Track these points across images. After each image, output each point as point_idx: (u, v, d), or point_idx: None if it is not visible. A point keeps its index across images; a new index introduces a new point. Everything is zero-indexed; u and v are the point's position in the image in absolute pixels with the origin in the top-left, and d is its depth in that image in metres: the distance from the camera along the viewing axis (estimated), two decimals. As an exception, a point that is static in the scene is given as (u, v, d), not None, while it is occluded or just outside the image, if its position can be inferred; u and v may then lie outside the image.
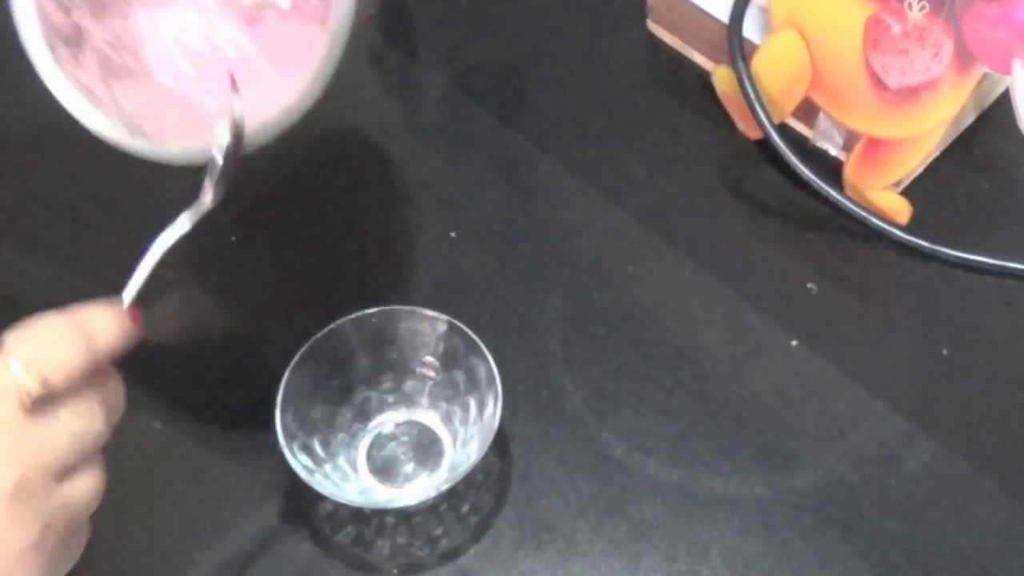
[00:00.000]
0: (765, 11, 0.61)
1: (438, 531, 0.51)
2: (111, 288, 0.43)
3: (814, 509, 0.52)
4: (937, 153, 0.63)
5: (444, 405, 0.53)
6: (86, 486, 0.40)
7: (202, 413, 0.56)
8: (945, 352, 0.57)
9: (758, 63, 0.61)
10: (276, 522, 0.52)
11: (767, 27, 0.61)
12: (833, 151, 0.65)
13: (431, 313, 0.52)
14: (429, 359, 0.53)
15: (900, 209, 0.61)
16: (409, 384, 0.54)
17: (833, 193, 0.61)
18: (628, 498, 0.52)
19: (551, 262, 0.61)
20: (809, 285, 0.60)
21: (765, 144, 0.62)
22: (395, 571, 0.50)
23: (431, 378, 0.53)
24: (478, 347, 0.50)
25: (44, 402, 0.38)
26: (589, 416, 0.55)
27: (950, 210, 0.62)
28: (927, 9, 0.54)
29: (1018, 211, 0.63)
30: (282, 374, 0.50)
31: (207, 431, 0.55)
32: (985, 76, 0.56)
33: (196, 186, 0.45)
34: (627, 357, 0.57)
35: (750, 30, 0.61)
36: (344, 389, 0.53)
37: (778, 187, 0.63)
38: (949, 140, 0.64)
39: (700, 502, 0.52)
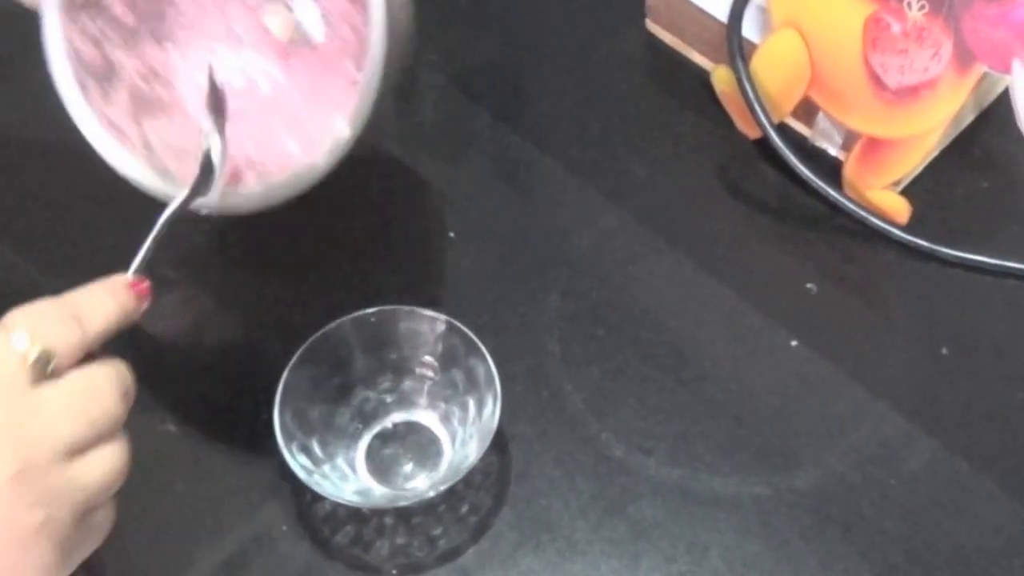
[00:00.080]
0: (764, 11, 0.61)
1: (437, 531, 0.52)
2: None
3: (814, 509, 0.52)
4: (936, 152, 0.64)
5: (443, 405, 0.54)
6: (100, 465, 0.39)
7: (201, 414, 0.56)
8: (945, 352, 0.57)
9: (757, 63, 0.61)
10: (275, 522, 0.52)
11: (766, 27, 0.61)
12: (832, 151, 0.65)
13: (430, 313, 0.52)
14: (428, 359, 0.53)
15: (900, 209, 0.61)
16: (408, 384, 0.54)
17: (832, 193, 0.61)
18: (628, 498, 0.52)
19: (550, 262, 0.61)
20: (809, 285, 0.60)
21: (764, 144, 0.62)
22: (394, 572, 0.51)
23: (430, 378, 0.54)
24: (477, 347, 0.50)
25: (48, 377, 0.38)
26: (588, 416, 0.55)
27: (950, 210, 0.63)
28: (926, 8, 0.55)
29: (1018, 210, 0.63)
30: (281, 374, 0.50)
31: (206, 432, 0.55)
32: (984, 75, 0.56)
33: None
34: (626, 357, 0.57)
35: (749, 30, 0.62)
36: (343, 389, 0.53)
37: (777, 187, 0.64)
38: (949, 139, 0.64)
39: (700, 502, 0.52)
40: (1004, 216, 0.62)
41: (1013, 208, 0.63)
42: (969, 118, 0.65)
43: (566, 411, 0.55)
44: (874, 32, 0.56)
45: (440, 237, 0.62)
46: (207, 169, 0.48)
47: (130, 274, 0.44)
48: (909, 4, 0.55)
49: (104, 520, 0.41)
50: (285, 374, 0.50)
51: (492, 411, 0.49)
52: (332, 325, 0.51)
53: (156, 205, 0.48)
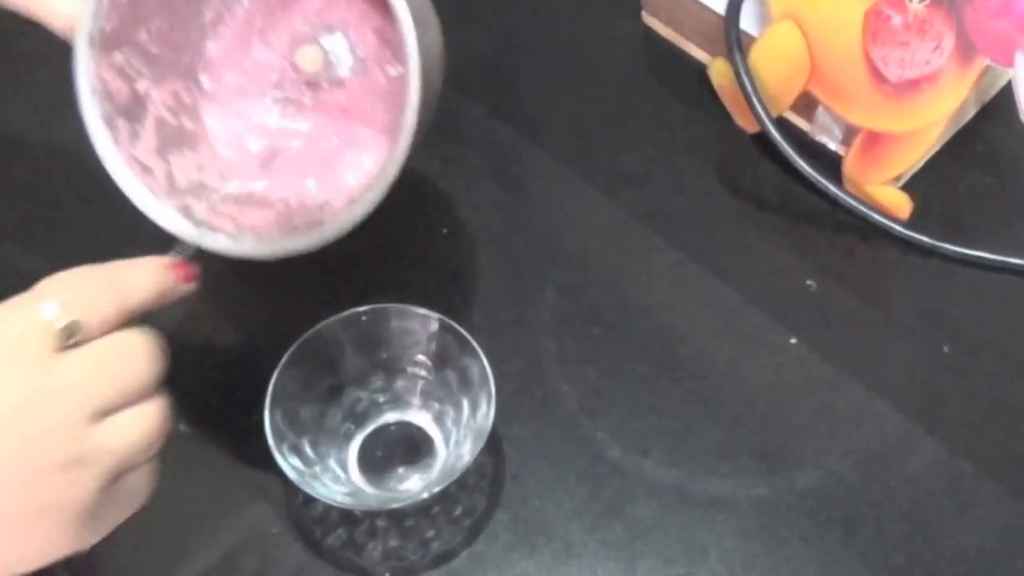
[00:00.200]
0: (762, 3, 0.61)
1: (430, 534, 0.52)
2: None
3: (814, 510, 0.52)
4: (938, 147, 0.64)
5: (436, 405, 0.54)
6: (130, 428, 0.39)
7: (191, 415, 0.56)
8: (947, 350, 0.57)
9: (755, 56, 0.61)
10: (265, 524, 0.52)
11: (765, 19, 0.61)
12: (832, 145, 0.65)
13: (422, 311, 0.52)
14: (421, 358, 0.53)
15: (901, 204, 0.61)
16: (400, 384, 0.54)
17: (832, 188, 0.61)
18: (624, 499, 0.53)
19: (545, 259, 0.61)
20: (808, 282, 0.60)
21: (763, 138, 0.63)
22: (387, 574, 0.51)
23: (423, 377, 0.54)
24: (471, 346, 0.51)
25: (72, 346, 0.38)
26: (584, 416, 0.55)
27: (952, 205, 0.63)
28: (928, 0, 0.55)
29: (1021, 206, 0.63)
30: (271, 374, 0.50)
31: (196, 433, 0.55)
32: (987, 69, 0.56)
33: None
34: (622, 356, 0.57)
35: (747, 22, 0.62)
36: (334, 389, 0.53)
37: (776, 182, 0.64)
38: (950, 134, 0.64)
39: (698, 503, 0.53)
40: (1007, 212, 0.63)
41: (1016, 204, 0.63)
42: (971, 112, 0.65)
43: (561, 411, 0.56)
44: (874, 24, 0.57)
45: (432, 233, 0.62)
46: None
47: (170, 256, 0.46)
48: (910, -4, 0.55)
49: (140, 485, 0.41)
50: (275, 374, 0.50)
51: (486, 411, 0.50)
52: (322, 324, 0.52)
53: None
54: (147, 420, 0.40)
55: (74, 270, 0.41)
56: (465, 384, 0.52)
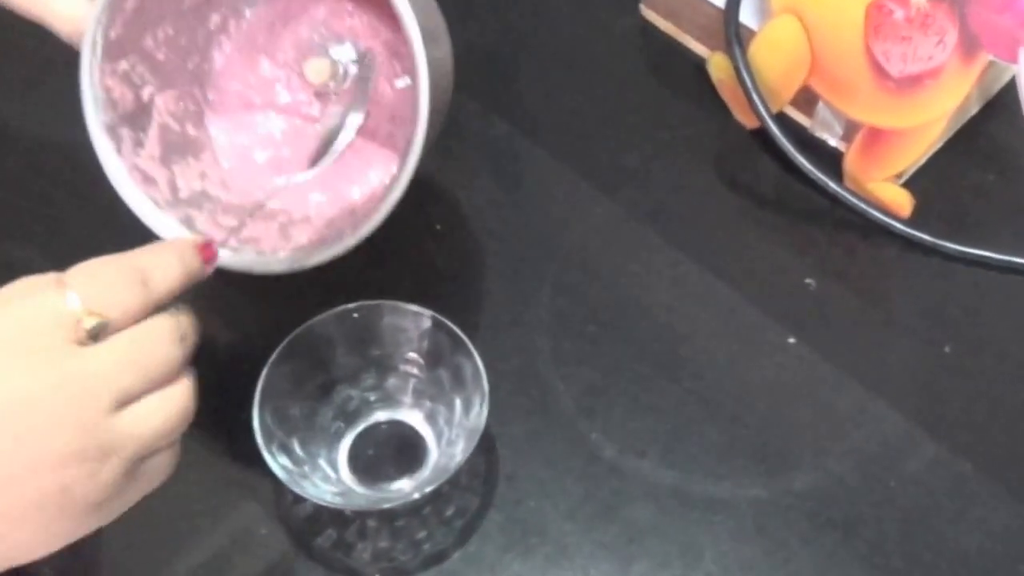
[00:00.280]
0: (763, -4, 0.61)
1: (422, 534, 0.52)
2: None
3: (812, 512, 0.52)
4: (940, 144, 0.64)
5: (428, 404, 0.54)
6: (155, 413, 0.40)
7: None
8: (948, 350, 0.57)
9: (755, 50, 0.61)
10: (254, 524, 0.52)
11: (765, 13, 0.61)
12: (833, 141, 0.65)
13: (415, 308, 0.52)
14: (413, 356, 0.53)
15: (902, 202, 0.61)
16: (392, 382, 0.54)
17: (832, 185, 0.61)
18: (620, 500, 0.53)
19: (540, 256, 0.61)
20: (807, 280, 0.60)
21: (762, 134, 0.63)
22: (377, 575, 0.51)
23: (415, 376, 0.54)
24: (464, 344, 0.51)
25: (98, 340, 0.38)
26: (579, 416, 0.55)
27: (954, 203, 0.63)
28: (930, -6, 0.55)
29: (1024, 204, 0.63)
30: (260, 371, 0.50)
31: (184, 430, 0.55)
32: (990, 64, 0.56)
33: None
34: (619, 355, 0.57)
35: (747, 16, 0.62)
36: (324, 387, 0.53)
37: (776, 179, 0.64)
38: (953, 130, 0.64)
39: (694, 504, 0.53)
40: (1010, 210, 0.63)
41: (1020, 202, 0.63)
42: (974, 108, 0.65)
43: (556, 411, 0.56)
44: (876, 19, 0.57)
45: (425, 229, 0.62)
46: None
47: (198, 236, 0.46)
48: (912, -10, 0.55)
49: (161, 465, 0.41)
50: (264, 371, 0.50)
51: (479, 410, 0.49)
52: (313, 320, 0.51)
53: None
54: (171, 405, 0.40)
55: (101, 261, 0.40)
56: (458, 383, 0.51)
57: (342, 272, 0.60)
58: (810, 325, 0.58)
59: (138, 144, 0.53)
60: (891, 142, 0.60)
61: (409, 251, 0.62)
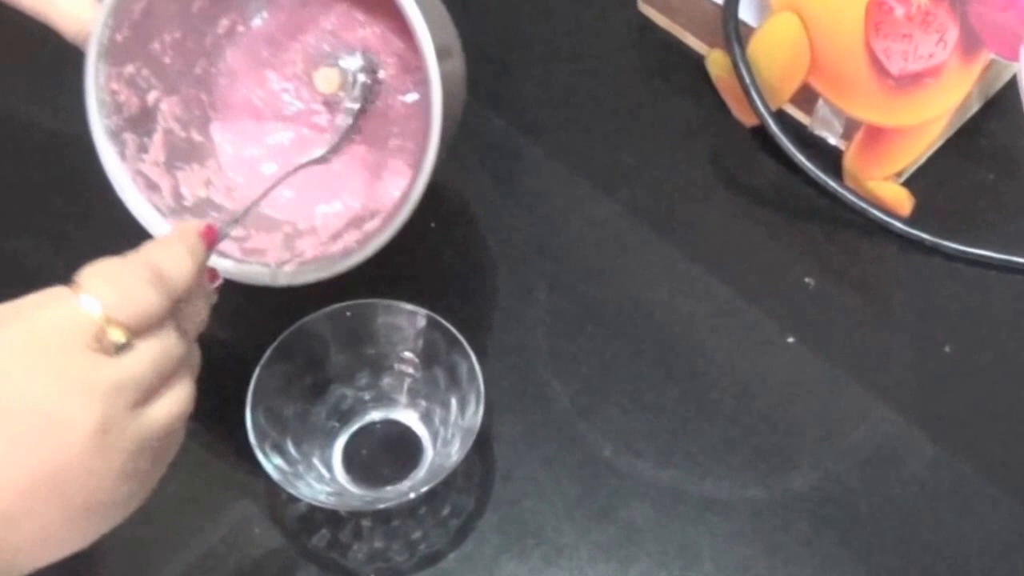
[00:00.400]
0: (762, -8, 0.62)
1: (417, 535, 0.52)
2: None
3: (811, 512, 0.53)
4: (941, 143, 0.64)
5: (424, 403, 0.54)
6: (171, 403, 0.40)
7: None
8: (947, 350, 0.58)
9: (755, 47, 0.61)
10: (248, 524, 0.52)
11: (764, 9, 0.62)
12: (832, 139, 0.65)
13: (409, 307, 0.52)
14: (408, 355, 0.53)
15: (902, 200, 0.62)
16: (387, 381, 0.54)
17: (832, 183, 0.61)
18: (617, 500, 0.53)
19: (536, 254, 0.61)
20: (806, 279, 0.60)
21: (761, 132, 0.63)
22: (372, 576, 0.51)
23: (410, 375, 0.54)
24: (459, 343, 0.51)
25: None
26: (576, 415, 0.56)
27: (954, 202, 0.63)
28: (930, -9, 0.55)
29: (1024, 203, 0.64)
30: (252, 370, 0.50)
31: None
32: (991, 62, 0.57)
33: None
34: (616, 354, 0.58)
35: (746, 12, 0.62)
36: (318, 386, 0.53)
37: (775, 177, 0.64)
38: (953, 129, 0.65)
39: (692, 504, 0.53)
40: (1010, 209, 0.63)
41: (1020, 201, 0.63)
42: (975, 107, 0.65)
43: (553, 410, 0.56)
44: (877, 16, 0.57)
45: (420, 227, 0.62)
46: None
47: (199, 222, 0.45)
48: (913, -13, 0.56)
49: (176, 442, 0.42)
50: (257, 371, 0.50)
51: (475, 410, 0.50)
52: (306, 319, 0.52)
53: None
54: (186, 391, 0.41)
55: (115, 265, 0.40)
56: (453, 382, 0.52)
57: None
58: (809, 324, 0.59)
59: (142, 149, 0.53)
60: (891, 140, 0.61)
61: (403, 248, 0.61)
